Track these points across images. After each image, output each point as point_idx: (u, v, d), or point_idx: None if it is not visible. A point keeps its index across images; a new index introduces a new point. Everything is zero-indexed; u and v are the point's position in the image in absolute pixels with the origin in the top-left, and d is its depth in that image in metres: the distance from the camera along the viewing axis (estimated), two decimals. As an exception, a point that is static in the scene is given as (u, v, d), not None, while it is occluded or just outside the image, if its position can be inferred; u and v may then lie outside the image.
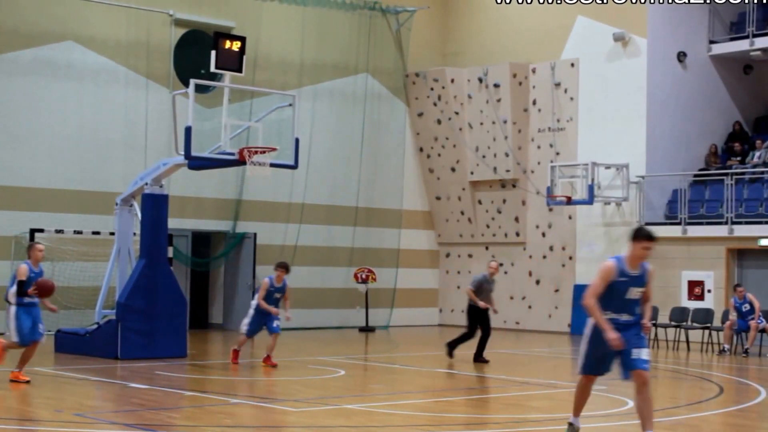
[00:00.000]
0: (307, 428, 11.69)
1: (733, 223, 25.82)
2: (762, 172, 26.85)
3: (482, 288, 20.06)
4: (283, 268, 18.44)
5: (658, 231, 26.66)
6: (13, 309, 14.78)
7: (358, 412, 12.89)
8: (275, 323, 18.31)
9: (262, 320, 18.38)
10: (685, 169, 28.30)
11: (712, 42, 29.15)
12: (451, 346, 20.34)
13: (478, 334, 20.12)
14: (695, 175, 28.25)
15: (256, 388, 16.11)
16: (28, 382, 14.82)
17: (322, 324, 29.25)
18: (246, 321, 18.47)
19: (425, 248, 32.26)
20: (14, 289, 14.78)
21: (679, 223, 26.82)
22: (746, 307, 23.44)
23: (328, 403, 13.64)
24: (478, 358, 19.90)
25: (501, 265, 26.46)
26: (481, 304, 19.91)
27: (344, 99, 30.54)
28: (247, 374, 17.46)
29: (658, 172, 27.80)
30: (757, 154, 27.98)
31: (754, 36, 28.39)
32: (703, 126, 29.06)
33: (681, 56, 28.56)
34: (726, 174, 26.94)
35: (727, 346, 23.19)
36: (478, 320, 20.10)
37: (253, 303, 18.53)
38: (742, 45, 28.70)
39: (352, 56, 30.67)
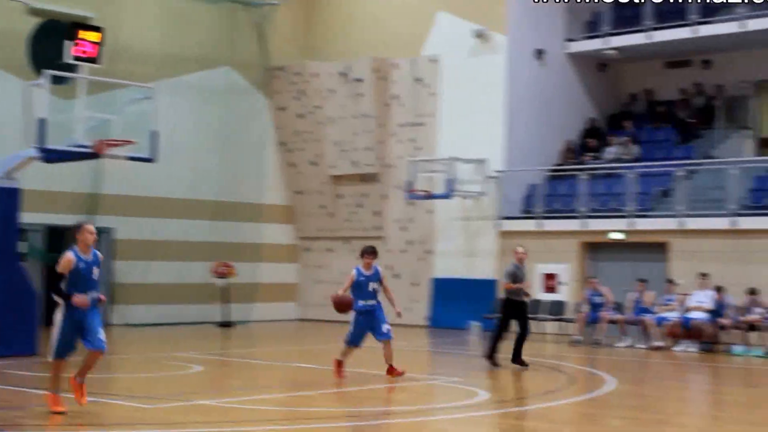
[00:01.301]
0: (162, 425, 11.58)
1: (587, 217, 26.44)
2: (615, 168, 27.55)
3: (516, 277, 18.35)
4: (372, 253, 16.20)
5: (515, 225, 27.51)
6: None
7: (214, 408, 12.82)
8: (384, 327, 15.93)
9: (369, 323, 15.99)
10: (541, 165, 28.88)
11: (568, 40, 29.80)
12: (491, 355, 18.36)
13: (507, 332, 18.63)
14: (551, 171, 28.84)
15: (111, 385, 15.87)
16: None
17: (181, 319, 28.94)
18: (351, 328, 16.20)
19: (285, 243, 32.20)
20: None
21: (534, 217, 27.36)
22: (598, 298, 24.07)
23: (184, 400, 13.52)
24: (516, 359, 18.25)
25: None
26: (525, 284, 18.44)
27: (205, 92, 30.26)
28: (104, 371, 17.20)
29: (516, 168, 28.30)
30: (611, 150, 28.71)
31: (609, 35, 29.14)
32: (560, 122, 29.69)
33: (539, 53, 29.10)
34: (580, 169, 27.58)
35: (579, 337, 23.75)
36: (515, 315, 18.41)
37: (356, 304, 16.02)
38: (597, 44, 29.43)
39: (213, 49, 30.40)
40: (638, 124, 30.17)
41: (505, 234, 27.67)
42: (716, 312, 22.55)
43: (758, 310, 22.01)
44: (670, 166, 26.72)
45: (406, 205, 29.74)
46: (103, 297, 12.06)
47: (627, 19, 29.03)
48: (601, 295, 24.14)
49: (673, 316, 22.83)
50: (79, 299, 11.59)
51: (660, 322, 22.98)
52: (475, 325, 26.17)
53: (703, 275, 23.20)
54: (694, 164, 26.96)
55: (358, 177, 30.98)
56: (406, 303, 29.54)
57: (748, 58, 28.95)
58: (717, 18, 26.80)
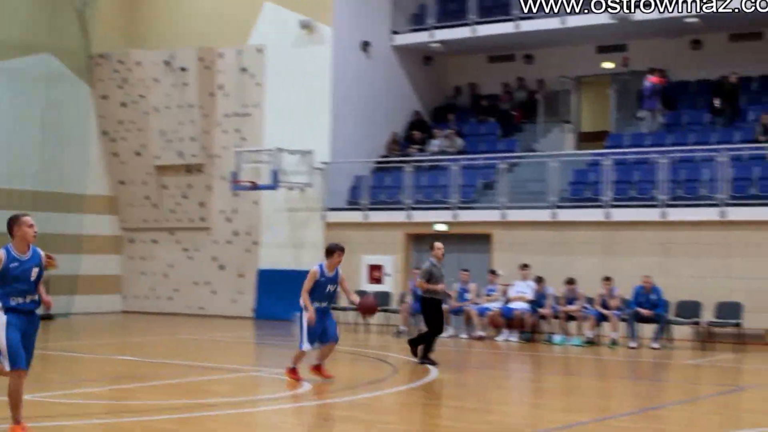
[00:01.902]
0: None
1: (412, 209, 26.72)
2: (440, 160, 27.92)
3: (432, 276, 17.70)
4: (342, 252, 14.92)
5: (341, 216, 27.56)
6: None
7: (32, 403, 12.44)
8: (335, 329, 14.98)
9: (321, 324, 14.77)
10: (367, 157, 29.05)
11: (394, 33, 30.03)
12: (425, 355, 17.57)
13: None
14: (377, 163, 29.04)
15: None
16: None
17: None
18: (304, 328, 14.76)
19: (109, 234, 31.55)
20: None
21: (360, 209, 27.51)
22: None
23: (-2, 394, 13.07)
24: (426, 357, 17.53)
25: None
26: (440, 287, 17.60)
27: (25, 79, 29.32)
28: None
29: (342, 159, 28.38)
30: (436, 142, 29.08)
31: (434, 28, 29.50)
32: (385, 114, 29.92)
33: (365, 46, 29.24)
34: (406, 161, 27.85)
35: (403, 328, 23.98)
36: (433, 312, 17.73)
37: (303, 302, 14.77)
38: (422, 37, 29.75)
39: (33, 35, 29.48)
40: (462, 117, 30.66)
41: (331, 225, 27.74)
42: (537, 302, 23.09)
43: (577, 300, 22.62)
44: (493, 158, 27.22)
45: (231, 196, 29.50)
46: (47, 300, 10.23)
47: (452, 12, 29.47)
48: (424, 285, 24.41)
49: (495, 306, 23.28)
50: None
51: (482, 312, 23.39)
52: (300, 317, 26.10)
53: (524, 266, 23.73)
54: (517, 157, 27.55)
55: (183, 167, 30.59)
56: (232, 295, 29.43)
57: (568, 53, 29.72)
58: (539, 14, 27.43)
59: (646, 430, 11.44)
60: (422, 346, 17.75)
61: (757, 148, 24.59)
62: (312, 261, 28.06)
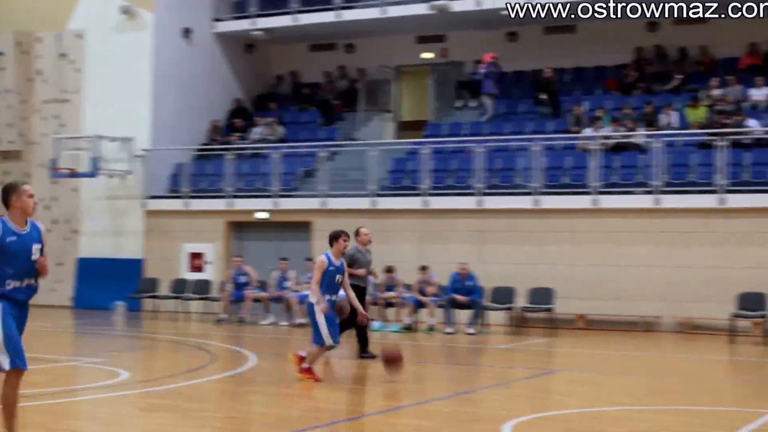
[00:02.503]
0: None
1: (233, 197, 26.71)
2: (261, 148, 27.97)
3: (355, 261, 16.99)
4: (348, 237, 14.30)
5: (162, 204, 27.31)
6: None
7: None
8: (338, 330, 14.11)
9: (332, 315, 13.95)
10: (188, 144, 28.88)
11: (216, 20, 29.90)
12: (363, 350, 16.95)
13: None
14: (198, 150, 28.90)
15: None
16: None
17: None
18: (321, 325, 13.72)
19: None
20: None
21: (181, 197, 27.34)
22: (243, 278, 24.40)
23: None
24: (365, 352, 16.91)
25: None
26: (361, 271, 16.83)
27: None
28: None
29: (162, 146, 28.15)
30: (257, 130, 29.10)
31: (257, 16, 29.49)
32: (207, 102, 29.77)
33: (186, 32, 29.02)
34: (227, 149, 27.80)
35: (224, 316, 24.00)
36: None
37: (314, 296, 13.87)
38: (244, 24, 29.71)
39: None
40: (284, 106, 30.76)
41: (151, 213, 27.51)
42: (356, 289, 23.39)
43: (396, 287, 23.02)
44: (313, 147, 27.44)
45: (50, 183, 28.89)
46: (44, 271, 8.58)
47: (274, 1, 29.50)
48: (245, 274, 24.48)
49: (315, 293, 23.47)
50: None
51: (302, 299, 23.56)
52: (120, 305, 25.86)
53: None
54: (337, 145, 27.83)
55: (0, 154, 29.82)
56: (50, 284, 28.80)
57: (388, 43, 30.13)
58: (360, 3, 27.72)
59: (460, 414, 11.79)
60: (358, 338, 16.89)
61: (569, 139, 25.45)
62: (132, 249, 27.98)
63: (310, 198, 26.22)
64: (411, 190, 25.37)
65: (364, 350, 16.90)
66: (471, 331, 21.96)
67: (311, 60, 31.37)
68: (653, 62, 27.80)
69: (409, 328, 22.40)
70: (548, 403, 12.82)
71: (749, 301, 21.38)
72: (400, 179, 26.13)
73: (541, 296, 22.86)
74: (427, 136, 27.55)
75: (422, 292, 22.69)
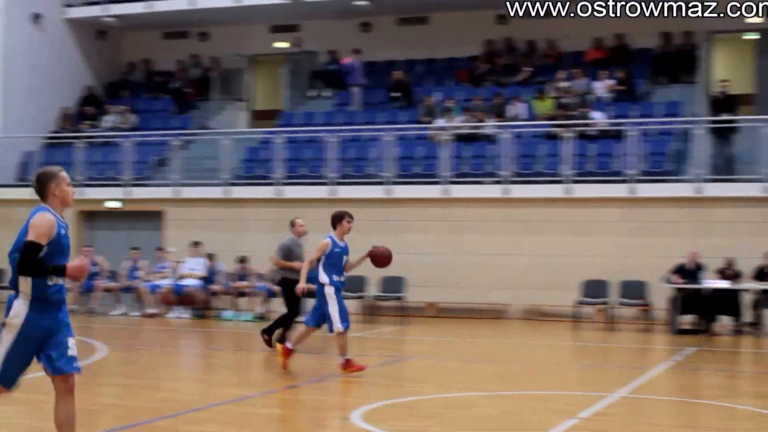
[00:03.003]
0: None
1: (84, 185, 26.28)
2: (112, 137, 27.62)
3: (292, 253, 16.54)
4: (352, 218, 13.86)
5: (10, 193, 26.72)
6: None
7: None
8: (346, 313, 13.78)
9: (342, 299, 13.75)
10: (37, 132, 28.32)
11: (67, 5, 29.39)
12: (269, 332, 16.73)
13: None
14: (48, 138, 28.37)
15: None
16: None
17: None
18: (332, 311, 13.55)
19: None
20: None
21: (30, 186, 26.74)
22: (93, 267, 24.06)
23: None
24: (269, 335, 16.67)
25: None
26: (297, 264, 15.94)
27: None
28: None
29: (11, 134, 27.55)
30: (109, 118, 28.70)
31: (109, 2, 29.07)
32: (57, 89, 29.23)
33: (35, 18, 28.43)
34: (78, 137, 27.35)
35: (74, 307, 23.64)
36: (289, 295, 16.23)
37: (323, 278, 13.58)
38: (96, 11, 29.31)
39: None
40: (136, 94, 30.41)
41: (0, 203, 26.91)
42: (208, 279, 23.35)
43: (248, 277, 23.03)
44: (166, 135, 27.22)
45: None
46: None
47: (127, -13, 29.15)
48: (95, 264, 24.17)
49: (166, 283, 23.35)
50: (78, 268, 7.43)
51: (153, 289, 23.42)
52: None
53: (196, 243, 23.91)
54: (190, 134, 27.66)
55: None
56: None
57: (242, 32, 30.04)
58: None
59: (310, 402, 11.92)
60: (279, 330, 16.68)
61: (421, 129, 25.81)
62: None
63: (163, 187, 26.01)
64: (264, 180, 25.39)
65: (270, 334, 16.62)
66: (323, 319, 22.09)
67: (164, 48, 31.07)
68: (503, 55, 28.36)
69: (261, 318, 22.43)
70: (398, 390, 13.03)
71: (593, 289, 22.06)
72: (254, 168, 26.11)
73: (393, 285, 23.16)
74: (280, 126, 27.59)
75: (275, 282, 22.73)
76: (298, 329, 13.88)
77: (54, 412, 7.68)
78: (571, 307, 21.92)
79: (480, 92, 26.89)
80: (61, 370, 7.48)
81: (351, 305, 23.02)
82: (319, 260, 13.65)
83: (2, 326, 7.47)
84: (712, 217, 22.44)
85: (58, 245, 7.42)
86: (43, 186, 7.61)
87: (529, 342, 19.85)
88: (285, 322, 16.64)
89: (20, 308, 7.36)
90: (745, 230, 22.05)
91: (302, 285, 13.68)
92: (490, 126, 25.17)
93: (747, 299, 20.90)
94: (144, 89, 30.76)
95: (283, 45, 30.30)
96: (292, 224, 17.01)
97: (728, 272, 20.79)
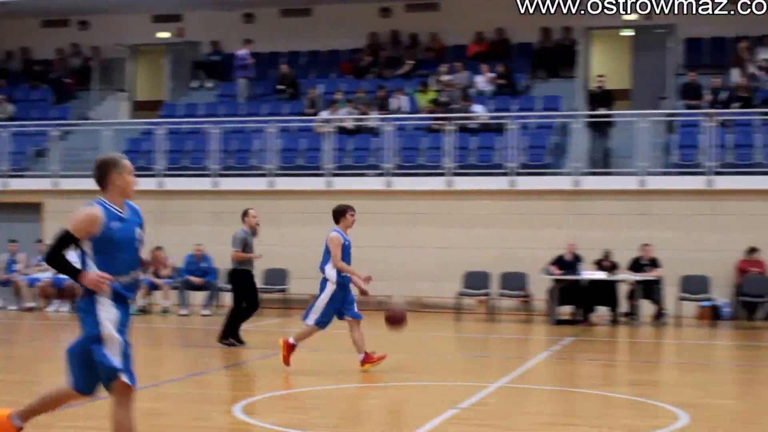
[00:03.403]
0: None
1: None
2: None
3: (248, 245, 16.35)
4: (354, 209, 13.62)
5: None
6: None
7: None
8: (356, 305, 13.69)
9: (343, 299, 13.52)
10: None
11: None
12: (236, 335, 16.35)
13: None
14: None
15: None
16: None
17: None
18: (320, 304, 13.41)
19: None
20: None
21: None
22: (-30, 261, 23.62)
23: None
24: (234, 335, 16.28)
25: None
26: (254, 255, 16.20)
27: None
28: None
29: None
30: (-15, 108, 28.11)
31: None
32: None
33: None
34: (-48, 127, 26.74)
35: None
36: (246, 287, 16.23)
37: (330, 272, 13.28)
38: (-29, -3, 28.63)
39: None
40: (14, 83, 29.82)
41: None
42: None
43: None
44: (45, 125, 26.74)
45: None
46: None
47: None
48: (-28, 256, 23.70)
49: (45, 276, 22.96)
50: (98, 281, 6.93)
51: (32, 282, 23.01)
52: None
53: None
54: (70, 125, 27.23)
55: None
56: None
57: (124, 21, 29.66)
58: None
59: (192, 396, 11.87)
60: (228, 323, 16.32)
61: (304, 121, 25.80)
62: None
63: (42, 178, 25.55)
64: (146, 171, 25.08)
65: (226, 336, 16.31)
66: (206, 312, 22.01)
67: (43, 36, 30.50)
68: (386, 47, 28.52)
69: (143, 311, 22.21)
70: (280, 382, 13.06)
71: (474, 280, 22.35)
72: (135, 160, 25.58)
73: (276, 277, 23.14)
74: (162, 117, 27.34)
75: (156, 274, 22.54)
76: (354, 332, 13.56)
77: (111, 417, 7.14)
78: (453, 298, 22.17)
79: (363, 85, 27.02)
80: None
81: (228, 298, 23.02)
82: (329, 254, 13.32)
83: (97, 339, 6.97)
84: (589, 210, 22.92)
85: (110, 241, 6.95)
86: (103, 174, 7.12)
87: (411, 333, 19.99)
88: (239, 317, 16.28)
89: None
90: (622, 222, 22.58)
91: (362, 285, 13.39)
92: (373, 118, 25.30)
93: (623, 290, 21.40)
94: (22, 78, 30.16)
95: (165, 35, 30.00)
96: (245, 214, 16.62)
97: (605, 263, 21.26)
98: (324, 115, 25.66)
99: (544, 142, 24.38)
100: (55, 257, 6.94)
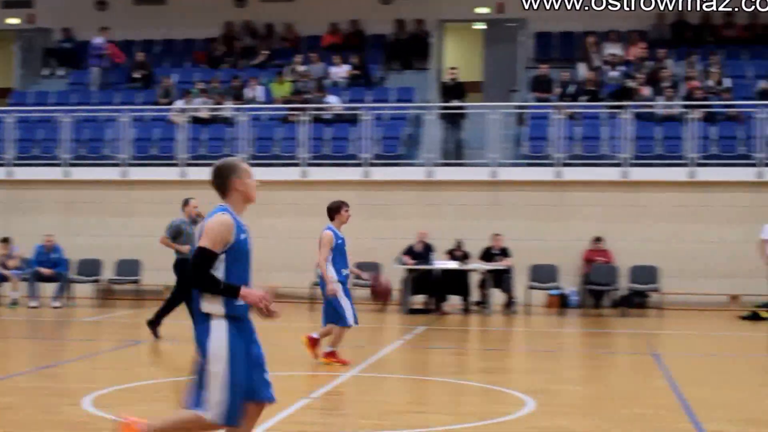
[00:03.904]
0: None
1: None
2: None
3: (181, 233, 15.85)
4: (348, 205, 13.32)
5: None
6: None
7: None
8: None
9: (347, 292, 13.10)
10: None
11: None
12: (156, 322, 16.08)
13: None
14: None
15: None
16: None
17: None
18: (343, 304, 12.93)
19: None
20: None
21: None
22: None
23: None
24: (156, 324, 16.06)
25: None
26: (185, 248, 15.60)
27: None
28: None
29: None
30: None
31: None
32: None
33: None
34: None
35: None
36: (184, 278, 15.66)
37: (331, 274, 12.85)
38: None
39: None
40: None
41: None
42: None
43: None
44: None
45: None
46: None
47: None
48: None
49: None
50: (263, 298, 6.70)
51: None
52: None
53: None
54: None
55: None
56: None
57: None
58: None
59: (41, 389, 11.71)
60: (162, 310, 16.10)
61: (158, 110, 25.55)
62: None
63: None
64: (-5, 161, 24.59)
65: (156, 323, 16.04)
66: (56, 304, 21.64)
67: None
68: (241, 37, 28.41)
69: (15, 303, 21.63)
70: (130, 374, 12.96)
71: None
72: None
73: (128, 268, 22.90)
74: (11, 105, 26.74)
75: (4, 266, 22.05)
76: (332, 331, 13.24)
77: None
78: (308, 288, 22.24)
79: (218, 74, 26.87)
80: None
81: (86, 289, 22.74)
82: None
83: (203, 363, 6.54)
84: (442, 200, 23.29)
85: (238, 252, 6.57)
86: (224, 180, 6.62)
87: (265, 324, 20.01)
88: (170, 307, 16.05)
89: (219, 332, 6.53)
90: (474, 213, 23.00)
91: (331, 286, 12.82)
92: (227, 108, 25.20)
93: (475, 279, 21.81)
94: None
95: (14, 21, 29.32)
96: (185, 203, 16.20)
97: (457, 253, 21.63)
98: (178, 104, 25.44)
99: (397, 134, 24.64)
100: (203, 279, 6.41)
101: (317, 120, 24.37)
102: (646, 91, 24.44)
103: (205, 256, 6.41)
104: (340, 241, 13.00)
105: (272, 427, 9.16)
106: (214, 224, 6.45)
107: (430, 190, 23.37)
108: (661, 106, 24.10)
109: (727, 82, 24.90)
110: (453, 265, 21.36)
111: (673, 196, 22.74)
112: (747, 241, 21.11)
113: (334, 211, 13.18)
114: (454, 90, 24.83)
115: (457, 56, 29.10)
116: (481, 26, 28.92)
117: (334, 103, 25.10)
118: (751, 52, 26.69)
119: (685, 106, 23.56)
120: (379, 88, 26.57)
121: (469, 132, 24.62)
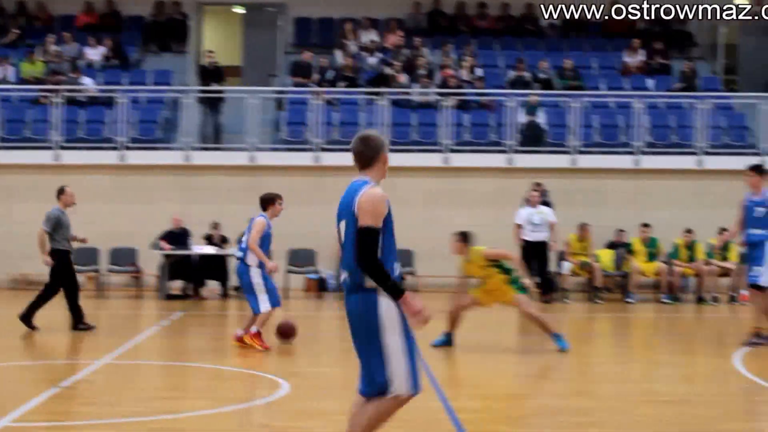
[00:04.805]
0: None
1: None
2: None
3: (61, 224, 15.01)
4: (282, 198, 13.48)
5: None
6: None
7: None
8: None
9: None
10: None
11: None
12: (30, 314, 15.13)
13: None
14: None
15: None
16: None
17: None
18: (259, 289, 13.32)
19: None
20: None
21: None
22: None
23: None
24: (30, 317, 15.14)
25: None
26: (73, 237, 15.18)
27: None
28: None
29: None
30: None
31: None
32: None
33: None
34: None
35: None
36: (65, 269, 15.14)
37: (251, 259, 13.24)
38: None
39: None
40: None
41: None
42: None
43: None
44: None
45: None
46: None
47: None
48: None
49: None
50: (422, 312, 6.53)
51: None
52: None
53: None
54: None
55: None
56: None
57: None
58: None
59: None
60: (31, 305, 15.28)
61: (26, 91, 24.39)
62: None
63: None
64: None
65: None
66: None
67: None
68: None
69: None
70: None
71: (81, 257, 21.82)
72: None
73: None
74: None
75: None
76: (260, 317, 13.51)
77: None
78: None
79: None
80: None
81: None
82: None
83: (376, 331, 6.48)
84: (200, 185, 23.09)
85: (390, 223, 6.46)
86: (376, 152, 6.68)
87: (15, 312, 19.37)
88: (45, 299, 15.39)
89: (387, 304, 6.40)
90: (232, 197, 22.87)
91: (271, 264, 13.39)
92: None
93: (233, 264, 21.69)
94: None
95: None
96: (62, 192, 15.45)
97: (215, 238, 21.49)
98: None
99: (155, 117, 24.26)
100: (375, 267, 6.32)
101: (71, 102, 23.71)
102: (403, 78, 24.90)
103: (374, 237, 6.28)
104: (269, 232, 13.39)
105: (19, 419, 8.86)
106: (375, 200, 6.37)
107: (187, 174, 23.12)
108: (417, 93, 24.61)
109: (480, 72, 25.66)
110: (210, 250, 21.21)
111: (427, 181, 23.26)
112: (496, 225, 21.76)
113: (268, 202, 13.46)
114: (212, 74, 24.62)
115: (216, 40, 28.87)
116: (240, 10, 28.78)
117: (88, 85, 24.47)
118: (503, 43, 27.58)
119: (440, 94, 24.15)
120: (136, 71, 26.07)
121: (227, 116, 24.46)
